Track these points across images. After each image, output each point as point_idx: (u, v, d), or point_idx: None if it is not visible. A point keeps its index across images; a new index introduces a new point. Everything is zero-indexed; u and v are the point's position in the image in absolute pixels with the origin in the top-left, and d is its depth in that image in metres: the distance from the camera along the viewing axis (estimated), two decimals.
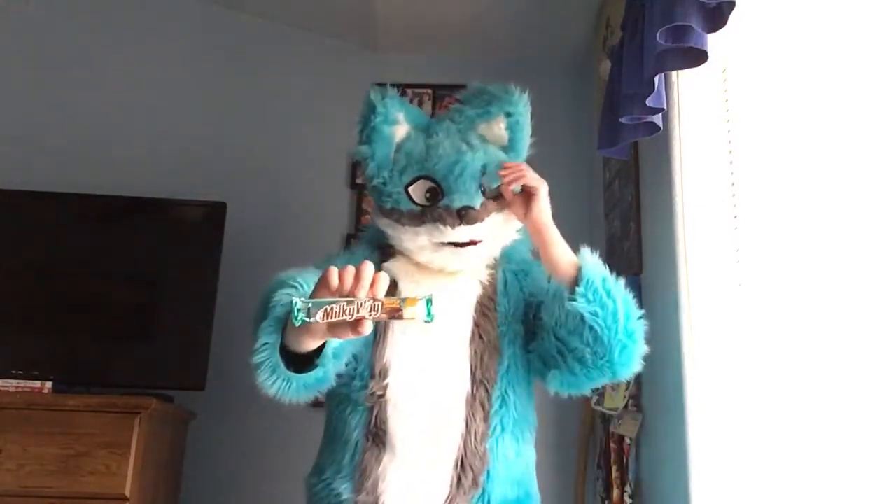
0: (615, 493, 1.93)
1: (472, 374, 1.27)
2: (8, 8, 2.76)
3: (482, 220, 1.30)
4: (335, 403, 1.34)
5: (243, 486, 2.37)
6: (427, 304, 0.89)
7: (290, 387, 1.12)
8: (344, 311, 0.87)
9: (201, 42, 2.81)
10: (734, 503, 1.52)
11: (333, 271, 0.91)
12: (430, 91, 2.78)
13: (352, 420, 1.28)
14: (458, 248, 1.30)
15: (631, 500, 1.87)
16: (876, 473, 1.29)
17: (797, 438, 1.44)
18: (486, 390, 1.27)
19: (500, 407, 1.28)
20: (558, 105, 2.78)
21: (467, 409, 1.26)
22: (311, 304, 0.88)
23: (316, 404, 1.37)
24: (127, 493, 1.91)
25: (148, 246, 2.37)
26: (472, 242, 1.30)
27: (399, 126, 1.36)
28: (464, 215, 1.28)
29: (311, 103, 2.78)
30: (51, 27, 2.77)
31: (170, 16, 2.82)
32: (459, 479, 1.23)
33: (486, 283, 1.37)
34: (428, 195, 1.32)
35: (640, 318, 1.28)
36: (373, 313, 0.87)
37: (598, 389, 1.79)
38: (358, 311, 0.87)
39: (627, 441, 1.93)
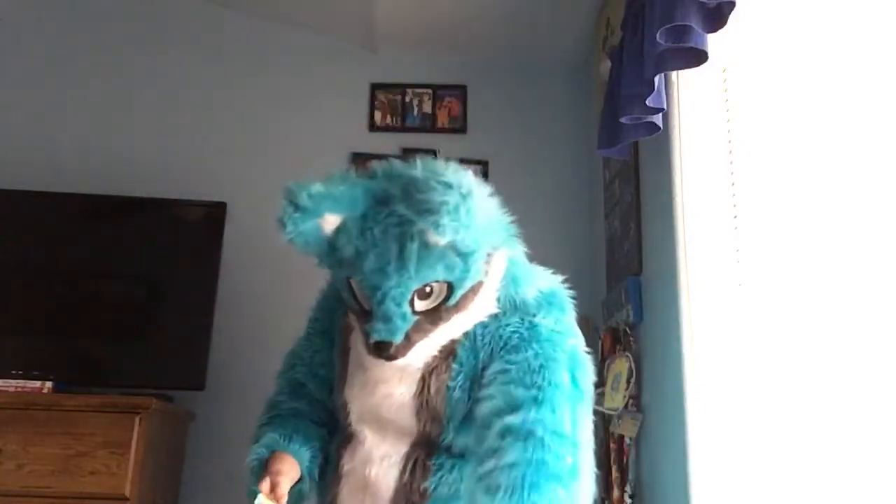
0: (615, 493, 1.93)
1: (417, 427, 1.22)
2: (7, 9, 2.76)
3: (403, 355, 1.13)
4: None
5: (243, 486, 2.37)
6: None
7: None
8: None
9: (201, 42, 2.81)
10: (734, 503, 1.52)
11: None
12: (430, 91, 2.78)
13: (335, 441, 1.31)
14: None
15: (631, 501, 1.87)
16: (876, 473, 1.29)
17: (797, 438, 1.44)
18: (429, 439, 1.22)
19: (445, 450, 1.23)
20: (558, 105, 2.78)
21: (410, 447, 1.23)
22: None
23: None
24: (127, 493, 1.91)
25: (148, 246, 2.37)
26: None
27: (323, 227, 1.16)
28: (380, 352, 1.12)
29: (312, 103, 2.78)
30: (50, 27, 2.77)
31: (170, 15, 2.82)
32: None
33: (449, 342, 1.21)
34: (366, 295, 1.15)
35: None
36: None
37: (597, 389, 1.78)
38: None
39: (627, 441, 1.92)
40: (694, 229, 1.69)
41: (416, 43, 2.76)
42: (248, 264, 2.51)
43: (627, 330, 2.00)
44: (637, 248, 2.01)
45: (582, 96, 2.75)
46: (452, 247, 1.10)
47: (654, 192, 1.91)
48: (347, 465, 1.26)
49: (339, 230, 1.16)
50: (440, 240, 1.08)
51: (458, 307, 1.16)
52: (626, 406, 1.92)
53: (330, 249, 1.17)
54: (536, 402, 1.12)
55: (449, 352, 1.20)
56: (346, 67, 2.81)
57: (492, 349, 1.19)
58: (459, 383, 1.19)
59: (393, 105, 2.78)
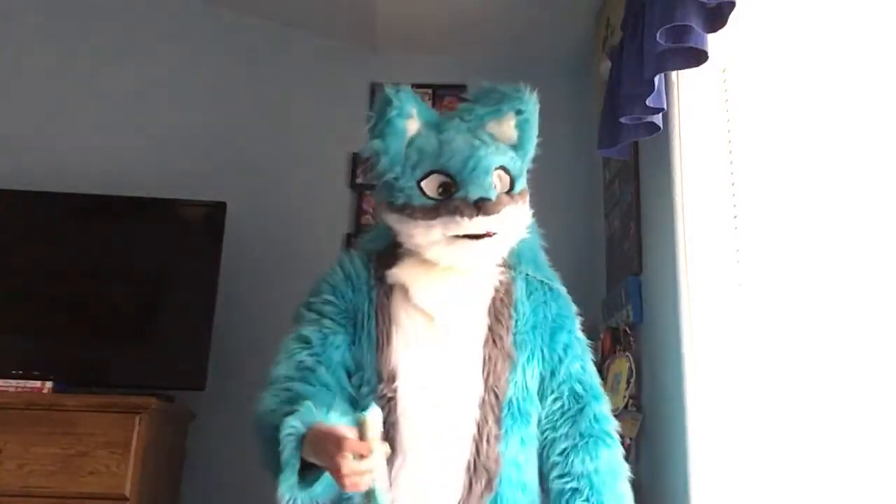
0: None
1: (485, 379, 1.28)
2: (9, 9, 2.77)
3: (498, 211, 1.31)
4: None
5: (243, 486, 2.37)
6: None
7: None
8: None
9: (202, 42, 2.81)
10: (734, 503, 1.52)
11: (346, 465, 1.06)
12: (430, 91, 2.77)
13: None
14: (473, 241, 1.30)
15: None
16: (876, 473, 1.29)
17: (797, 438, 1.44)
18: (497, 395, 1.28)
19: (510, 412, 1.29)
20: (558, 105, 2.77)
21: (480, 411, 1.26)
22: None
23: None
24: (127, 493, 1.91)
25: (148, 246, 2.37)
26: (489, 234, 1.31)
27: (412, 121, 1.37)
28: (481, 206, 1.29)
29: (312, 103, 2.78)
30: (52, 27, 2.77)
31: (170, 16, 2.81)
32: (472, 483, 1.23)
33: (500, 285, 1.38)
34: (440, 189, 1.33)
35: None
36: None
37: None
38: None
39: (627, 441, 1.92)
40: (694, 229, 1.69)
41: (416, 43, 2.76)
42: (248, 264, 2.52)
43: (627, 330, 2.00)
44: (637, 248, 2.01)
45: (582, 96, 2.75)
46: (514, 142, 1.39)
47: (654, 192, 1.91)
48: (407, 444, 1.24)
49: (415, 137, 1.37)
50: (512, 126, 1.39)
51: (521, 195, 1.39)
52: (626, 406, 1.92)
53: (405, 157, 1.36)
54: (597, 399, 1.41)
55: (507, 302, 1.37)
56: (346, 67, 2.81)
57: (545, 315, 1.41)
58: (520, 329, 1.37)
59: None
